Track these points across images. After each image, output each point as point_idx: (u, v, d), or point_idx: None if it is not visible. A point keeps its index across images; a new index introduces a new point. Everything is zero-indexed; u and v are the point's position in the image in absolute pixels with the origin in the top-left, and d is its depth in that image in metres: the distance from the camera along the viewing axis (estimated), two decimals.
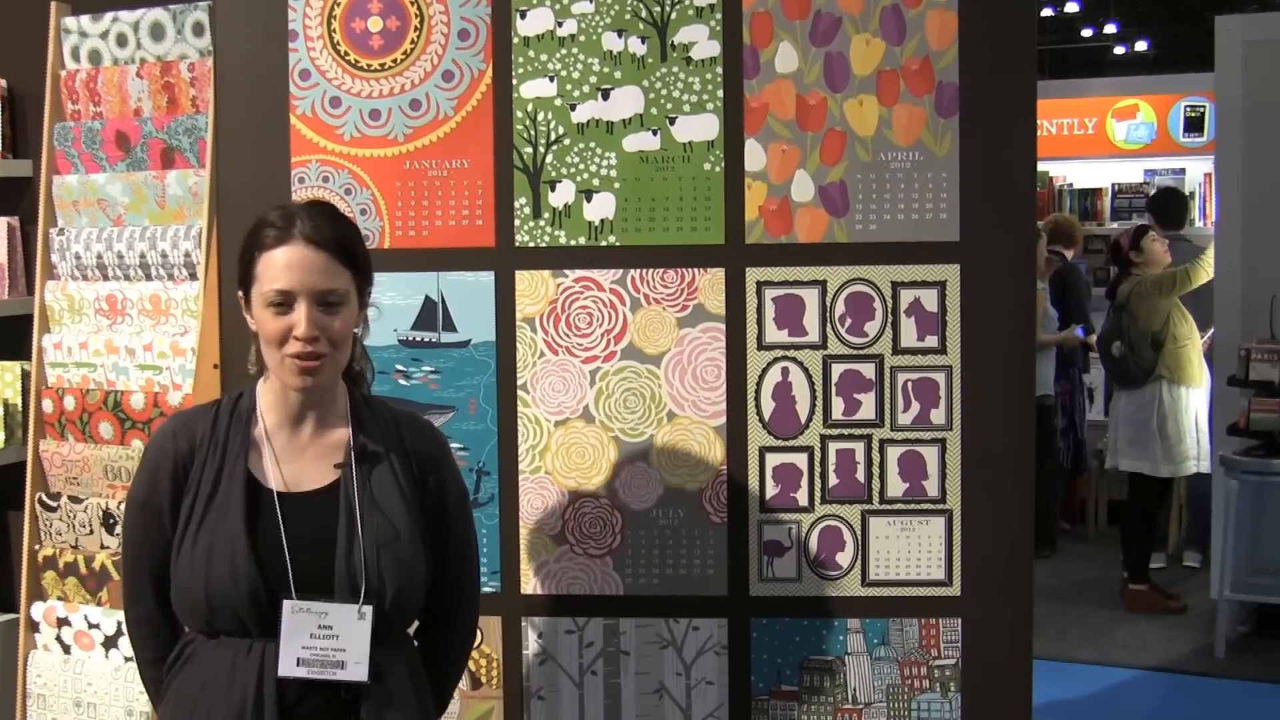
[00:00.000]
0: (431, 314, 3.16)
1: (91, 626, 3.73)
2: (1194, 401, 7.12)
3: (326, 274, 2.39)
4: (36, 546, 3.87)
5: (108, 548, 3.75)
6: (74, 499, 3.80)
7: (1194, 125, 9.78)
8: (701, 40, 3.11)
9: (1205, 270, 6.98)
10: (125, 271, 3.78)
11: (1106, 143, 10.06)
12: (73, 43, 3.92)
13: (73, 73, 3.91)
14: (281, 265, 2.38)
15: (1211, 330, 7.35)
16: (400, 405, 2.73)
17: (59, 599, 3.83)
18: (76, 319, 3.87)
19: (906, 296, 3.12)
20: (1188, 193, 9.61)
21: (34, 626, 3.85)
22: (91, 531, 3.77)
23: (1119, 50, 19.26)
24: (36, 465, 3.89)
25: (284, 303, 2.37)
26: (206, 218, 3.57)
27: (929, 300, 3.12)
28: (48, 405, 3.87)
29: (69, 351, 3.84)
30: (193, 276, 3.65)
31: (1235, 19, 7.57)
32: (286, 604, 2.37)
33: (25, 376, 4.02)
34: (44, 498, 3.86)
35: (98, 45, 3.88)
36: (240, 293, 2.47)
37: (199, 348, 3.48)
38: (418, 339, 3.16)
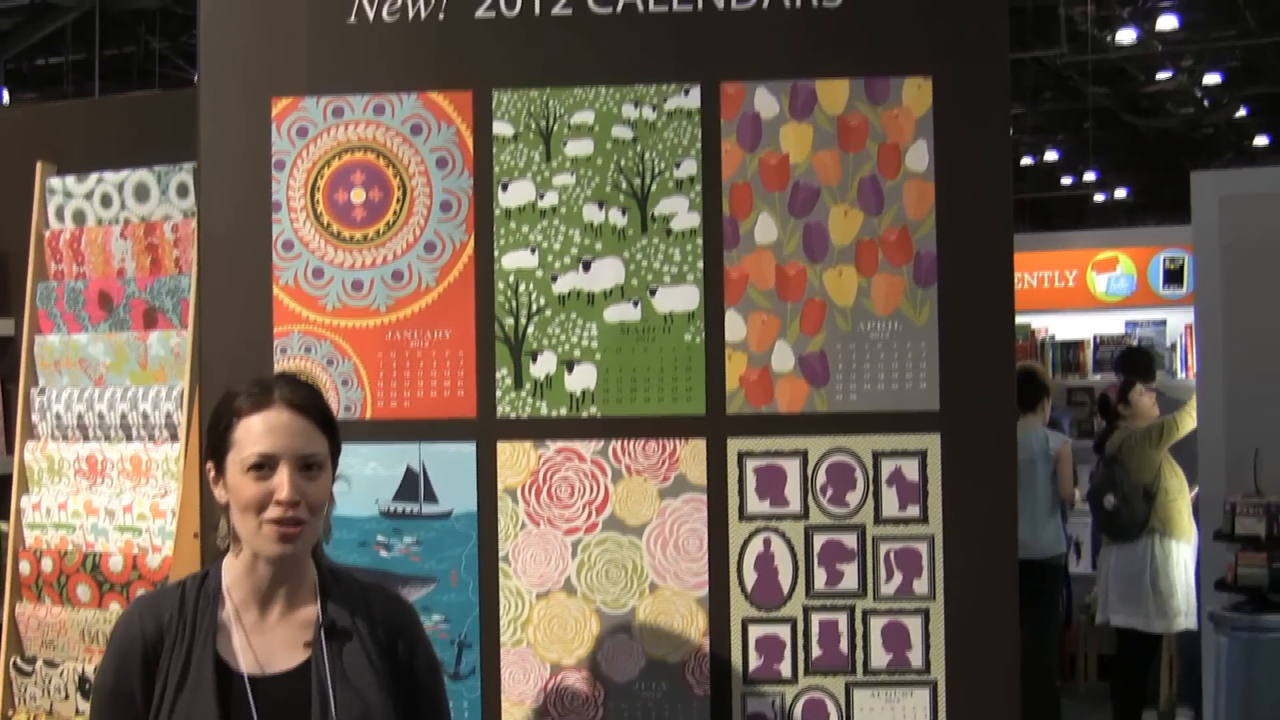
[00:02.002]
0: (413, 485, 3.15)
1: None
2: (1185, 555, 7.09)
3: (308, 438, 2.39)
4: (10, 712, 3.82)
5: (83, 713, 3.70)
6: (49, 663, 3.75)
7: (1173, 277, 9.85)
8: (681, 212, 3.14)
9: (1190, 417, 7.00)
10: (106, 432, 3.77)
11: (1087, 295, 10.13)
12: (57, 203, 3.96)
13: (56, 232, 3.94)
14: (262, 430, 2.37)
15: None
16: (368, 576, 2.70)
17: None
18: (56, 479, 3.85)
19: (888, 466, 3.12)
20: (1169, 344, 9.66)
21: None
22: (67, 696, 3.72)
23: (1099, 198, 19.55)
24: (12, 628, 3.85)
25: (265, 465, 2.35)
26: (188, 378, 3.57)
27: (910, 470, 3.11)
28: (25, 567, 3.84)
29: (47, 512, 3.82)
30: (174, 437, 3.65)
31: (1211, 175, 7.67)
32: None
33: (2, 538, 3.99)
34: (19, 661, 3.81)
35: (82, 205, 3.92)
36: (210, 463, 2.45)
37: (179, 515, 3.46)
38: (399, 510, 3.14)
